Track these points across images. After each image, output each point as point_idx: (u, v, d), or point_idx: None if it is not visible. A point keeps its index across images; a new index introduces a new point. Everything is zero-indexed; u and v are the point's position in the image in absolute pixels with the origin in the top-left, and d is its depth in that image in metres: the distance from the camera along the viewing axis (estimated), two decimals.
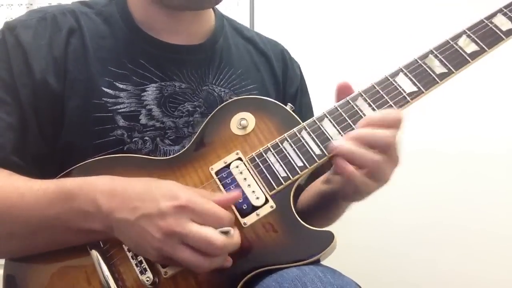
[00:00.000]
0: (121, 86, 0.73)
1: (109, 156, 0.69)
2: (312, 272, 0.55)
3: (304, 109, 0.90)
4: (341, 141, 0.62)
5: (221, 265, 0.58)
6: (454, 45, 0.67)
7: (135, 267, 0.61)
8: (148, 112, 0.73)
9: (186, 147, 0.71)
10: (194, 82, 0.78)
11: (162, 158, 0.71)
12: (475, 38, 0.66)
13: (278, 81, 0.87)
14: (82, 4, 0.80)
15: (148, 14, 0.77)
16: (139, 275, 0.60)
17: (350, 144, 0.61)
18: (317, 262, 0.61)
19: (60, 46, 0.72)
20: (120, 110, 0.72)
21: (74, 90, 0.70)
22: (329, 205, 0.77)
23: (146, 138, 0.72)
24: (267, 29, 1.44)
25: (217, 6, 0.82)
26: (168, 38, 0.77)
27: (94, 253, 0.62)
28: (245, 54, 0.86)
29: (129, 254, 0.62)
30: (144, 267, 0.61)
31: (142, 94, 0.74)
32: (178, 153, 0.71)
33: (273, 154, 0.66)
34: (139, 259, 0.61)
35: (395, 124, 0.62)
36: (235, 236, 0.59)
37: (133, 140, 0.71)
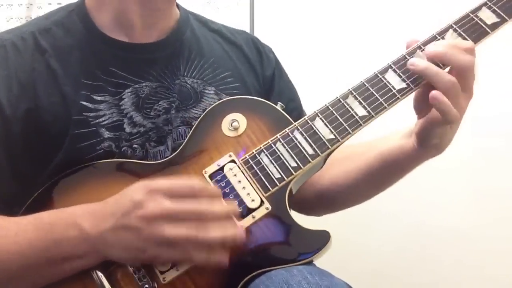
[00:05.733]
0: (98, 98, 0.71)
1: (99, 162, 0.69)
2: (300, 274, 0.55)
3: (285, 90, 0.88)
4: (416, 60, 0.64)
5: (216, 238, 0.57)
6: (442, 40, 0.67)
7: (133, 274, 0.61)
8: (130, 120, 0.72)
9: (178, 150, 0.71)
10: (165, 79, 0.76)
11: (154, 162, 0.71)
12: (462, 33, 0.67)
13: (254, 66, 0.86)
14: (42, 19, 0.77)
15: (120, 11, 0.74)
16: (138, 282, 0.60)
17: (426, 63, 0.63)
18: (312, 261, 0.62)
19: (27, 73, 0.70)
20: (103, 123, 0.70)
21: (50, 114, 0.69)
22: (398, 165, 0.74)
23: (135, 146, 0.71)
24: (267, 29, 1.44)
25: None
26: (137, 37, 0.75)
27: None
28: (214, 44, 0.85)
29: None
30: (142, 274, 0.61)
31: (120, 103, 0.72)
32: (171, 156, 0.71)
33: (266, 155, 0.66)
34: (136, 266, 0.61)
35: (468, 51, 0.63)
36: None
37: (122, 149, 0.70)
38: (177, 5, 0.84)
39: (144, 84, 0.74)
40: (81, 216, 0.59)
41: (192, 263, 0.60)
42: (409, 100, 0.67)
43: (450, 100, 0.61)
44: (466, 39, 0.66)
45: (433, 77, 0.62)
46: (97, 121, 0.70)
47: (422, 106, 0.66)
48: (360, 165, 0.78)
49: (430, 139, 0.68)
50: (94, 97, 0.71)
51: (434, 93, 0.62)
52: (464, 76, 0.63)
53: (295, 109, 0.85)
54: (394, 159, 0.73)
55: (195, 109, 0.76)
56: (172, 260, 0.60)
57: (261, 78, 0.86)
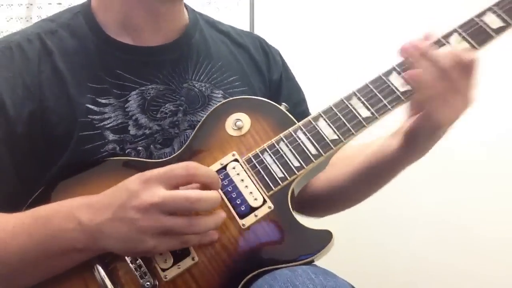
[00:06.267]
0: (103, 101, 0.71)
1: (101, 160, 0.69)
2: (304, 274, 0.55)
3: (293, 93, 0.88)
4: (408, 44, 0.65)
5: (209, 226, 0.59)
6: (446, 44, 0.67)
7: (134, 271, 0.61)
8: (135, 122, 0.72)
9: (182, 149, 0.71)
10: (173, 82, 0.76)
11: (157, 160, 0.71)
12: (466, 37, 0.67)
13: (261, 70, 0.86)
14: (47, 21, 0.77)
15: (125, 15, 0.74)
16: (139, 279, 0.60)
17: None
18: (313, 261, 0.62)
19: (32, 75, 0.70)
20: (108, 126, 0.70)
21: (56, 116, 0.69)
22: (386, 167, 0.74)
23: (140, 148, 0.71)
24: (267, 29, 1.45)
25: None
26: (144, 40, 0.75)
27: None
28: (222, 46, 0.85)
29: (128, 258, 0.62)
30: (143, 271, 0.61)
31: (125, 105, 0.72)
32: (174, 155, 0.71)
33: (269, 154, 0.66)
34: (138, 263, 0.61)
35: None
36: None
37: (126, 152, 0.70)
38: (186, 7, 0.84)
39: (150, 86, 0.74)
40: (78, 208, 0.60)
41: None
42: None
43: (437, 98, 0.62)
44: (471, 43, 0.66)
45: (427, 61, 0.63)
46: (102, 123, 0.70)
47: (413, 105, 0.66)
48: (350, 169, 0.78)
49: (419, 141, 0.68)
50: (99, 100, 0.71)
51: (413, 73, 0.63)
52: (450, 75, 0.62)
53: (302, 113, 0.84)
54: (380, 162, 0.74)
55: (202, 112, 0.76)
56: (168, 250, 0.60)
57: (267, 81, 0.86)
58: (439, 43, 0.67)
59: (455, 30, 0.68)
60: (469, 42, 0.67)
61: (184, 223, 0.57)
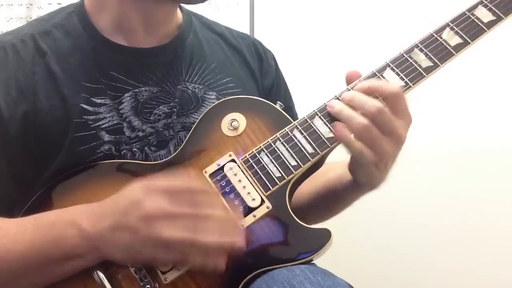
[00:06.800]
0: (98, 101, 0.71)
1: (98, 163, 0.69)
2: (302, 274, 0.56)
3: (281, 99, 0.87)
4: (334, 101, 0.64)
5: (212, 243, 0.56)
6: (439, 38, 0.68)
7: (134, 274, 0.61)
8: (128, 125, 0.72)
9: (178, 150, 0.71)
10: (167, 84, 0.76)
11: (154, 162, 0.71)
12: (458, 31, 0.67)
13: (254, 75, 0.86)
14: (41, 20, 0.77)
15: (120, 17, 0.74)
16: (139, 282, 0.60)
17: (342, 105, 0.63)
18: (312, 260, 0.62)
19: (26, 76, 0.69)
20: (104, 126, 0.70)
21: (50, 117, 0.68)
22: (341, 194, 0.76)
23: (135, 149, 0.71)
24: (267, 29, 1.45)
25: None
26: (138, 41, 0.75)
27: None
28: (217, 48, 0.85)
29: None
30: (143, 273, 0.61)
31: (119, 107, 0.72)
32: (170, 157, 0.71)
33: (266, 154, 0.66)
34: (138, 266, 0.61)
35: (388, 96, 0.62)
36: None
37: (122, 152, 0.70)
38: (181, 8, 0.84)
39: (143, 88, 0.74)
40: (80, 215, 0.60)
41: (188, 265, 0.60)
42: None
43: (365, 143, 0.61)
44: (463, 37, 0.67)
45: (346, 120, 0.63)
46: (97, 124, 0.70)
47: None
48: (311, 188, 0.79)
49: (357, 176, 0.69)
50: (94, 100, 0.71)
51: (339, 133, 0.62)
52: (377, 121, 0.61)
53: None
54: (335, 189, 0.75)
55: (195, 114, 0.76)
56: (169, 262, 0.60)
57: (260, 86, 0.86)
58: (431, 37, 0.68)
59: (447, 25, 0.68)
60: (461, 37, 0.67)
61: (187, 235, 0.55)
